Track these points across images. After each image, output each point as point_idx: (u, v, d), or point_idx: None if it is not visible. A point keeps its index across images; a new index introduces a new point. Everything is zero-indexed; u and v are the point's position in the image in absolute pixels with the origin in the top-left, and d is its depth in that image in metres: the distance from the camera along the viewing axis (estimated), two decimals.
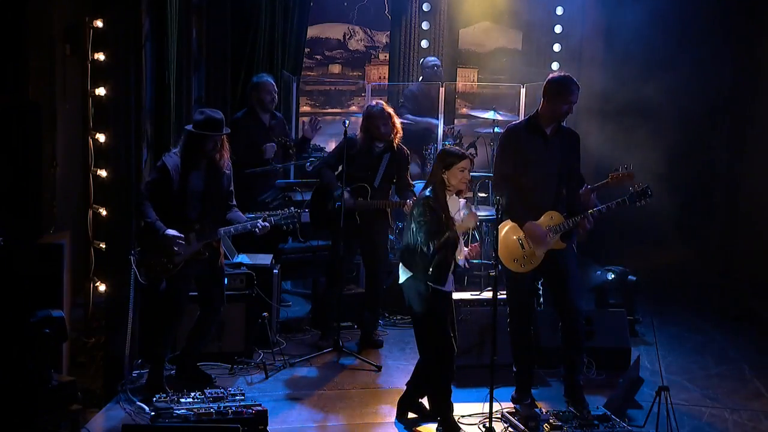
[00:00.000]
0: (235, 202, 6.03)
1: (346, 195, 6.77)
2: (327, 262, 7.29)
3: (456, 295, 6.05)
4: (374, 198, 6.88)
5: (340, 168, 6.85)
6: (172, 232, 5.67)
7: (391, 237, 8.52)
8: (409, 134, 9.25)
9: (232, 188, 6.00)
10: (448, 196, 5.43)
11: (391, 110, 6.95)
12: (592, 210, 5.62)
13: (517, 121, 5.96)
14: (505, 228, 5.74)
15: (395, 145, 6.93)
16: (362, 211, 6.86)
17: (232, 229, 5.86)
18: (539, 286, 6.70)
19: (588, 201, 5.66)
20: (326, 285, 7.25)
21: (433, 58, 9.56)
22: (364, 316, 7.11)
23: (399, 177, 6.98)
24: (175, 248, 5.67)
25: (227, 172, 5.92)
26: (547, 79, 5.71)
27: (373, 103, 6.99)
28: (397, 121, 6.95)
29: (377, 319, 7.22)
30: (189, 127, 5.81)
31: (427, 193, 5.43)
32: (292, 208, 6.12)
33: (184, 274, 5.79)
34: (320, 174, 7.09)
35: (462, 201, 5.54)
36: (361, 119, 7.04)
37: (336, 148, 7.16)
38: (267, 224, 5.90)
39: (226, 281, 6.56)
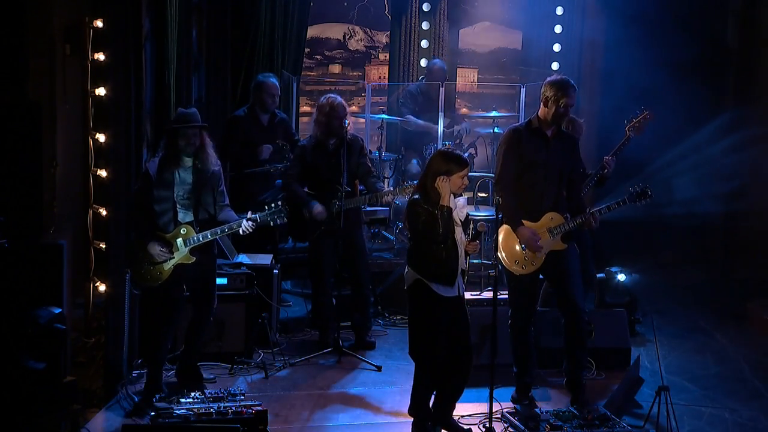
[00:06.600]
0: (227, 202, 5.92)
1: (320, 208, 6.71)
2: (309, 270, 7.16)
3: None
4: (347, 197, 6.69)
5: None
6: (154, 246, 5.64)
7: (391, 237, 8.52)
8: (408, 133, 9.27)
9: (222, 188, 5.87)
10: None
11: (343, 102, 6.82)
12: (595, 210, 5.69)
13: (518, 123, 5.97)
14: (504, 231, 5.75)
15: (347, 136, 6.75)
16: (342, 212, 6.64)
17: (200, 237, 5.69)
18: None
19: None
20: (314, 292, 7.11)
21: (439, 61, 9.49)
22: (354, 318, 7.06)
23: (360, 165, 6.88)
24: (160, 259, 5.66)
25: (215, 169, 5.79)
26: (544, 83, 5.74)
27: (325, 99, 6.79)
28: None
29: (368, 320, 7.13)
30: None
31: (416, 197, 5.30)
32: (279, 203, 5.84)
33: (175, 279, 5.75)
34: (289, 190, 6.86)
35: (462, 199, 5.44)
36: (316, 115, 6.80)
37: (294, 158, 6.98)
38: (250, 223, 5.70)
39: (226, 281, 6.57)
